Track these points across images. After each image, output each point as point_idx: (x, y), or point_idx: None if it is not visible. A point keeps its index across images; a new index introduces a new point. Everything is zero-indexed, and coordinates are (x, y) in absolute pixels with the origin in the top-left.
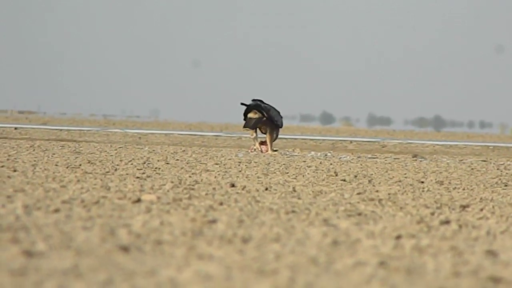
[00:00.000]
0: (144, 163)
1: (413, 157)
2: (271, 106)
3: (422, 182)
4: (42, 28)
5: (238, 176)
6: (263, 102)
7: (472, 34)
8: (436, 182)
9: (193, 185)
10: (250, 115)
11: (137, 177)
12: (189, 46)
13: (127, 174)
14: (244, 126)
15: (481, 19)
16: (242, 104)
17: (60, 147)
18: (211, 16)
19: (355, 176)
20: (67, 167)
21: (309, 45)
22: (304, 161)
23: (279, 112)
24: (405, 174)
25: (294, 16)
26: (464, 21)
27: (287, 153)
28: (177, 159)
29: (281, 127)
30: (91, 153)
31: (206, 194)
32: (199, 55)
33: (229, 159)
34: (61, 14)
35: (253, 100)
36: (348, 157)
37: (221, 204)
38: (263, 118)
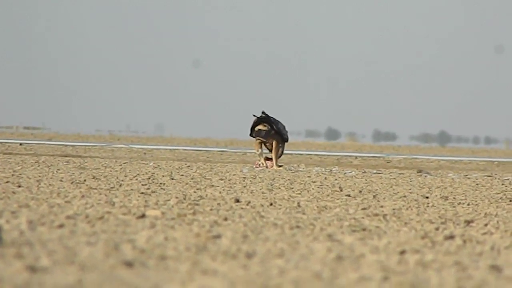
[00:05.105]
0: (149, 178)
1: (418, 172)
2: (277, 120)
3: (427, 197)
4: (46, 44)
5: (242, 192)
6: (269, 116)
7: (477, 49)
8: (441, 197)
9: (197, 201)
10: (259, 127)
11: (142, 193)
12: (194, 61)
13: (131, 189)
14: (256, 136)
15: (486, 35)
16: (254, 115)
17: (65, 163)
18: (215, 30)
19: (360, 192)
20: (71, 183)
21: (314, 60)
22: (309, 177)
23: (284, 127)
24: (410, 189)
25: (300, 32)
26: (469, 36)
27: (292, 168)
28: (182, 175)
29: (287, 141)
30: (96, 169)
31: (211, 209)
32: (203, 69)
33: (234, 175)
34: (64, 30)
35: (262, 113)
36: (353, 172)
37: (225, 219)
38: (272, 131)
